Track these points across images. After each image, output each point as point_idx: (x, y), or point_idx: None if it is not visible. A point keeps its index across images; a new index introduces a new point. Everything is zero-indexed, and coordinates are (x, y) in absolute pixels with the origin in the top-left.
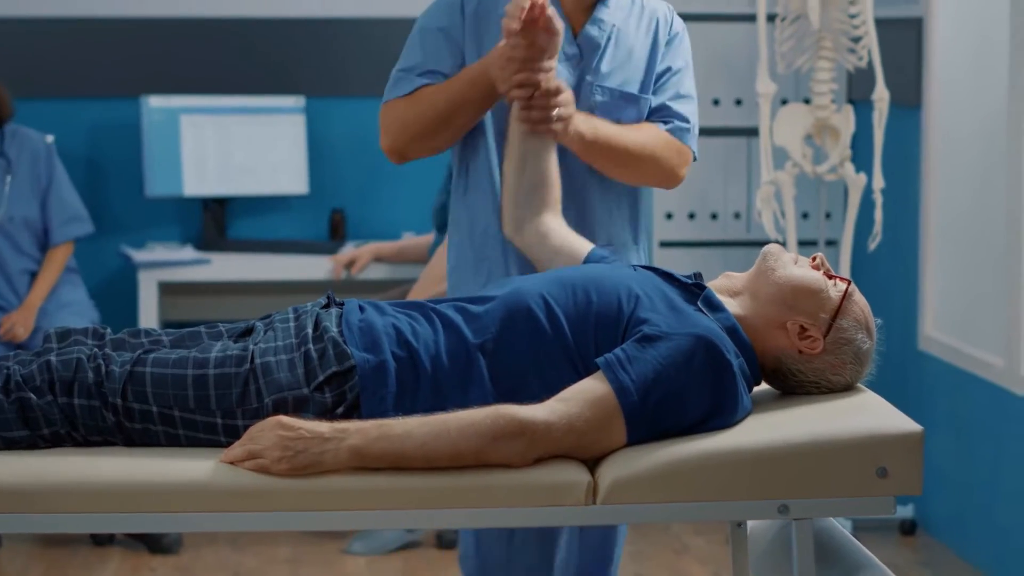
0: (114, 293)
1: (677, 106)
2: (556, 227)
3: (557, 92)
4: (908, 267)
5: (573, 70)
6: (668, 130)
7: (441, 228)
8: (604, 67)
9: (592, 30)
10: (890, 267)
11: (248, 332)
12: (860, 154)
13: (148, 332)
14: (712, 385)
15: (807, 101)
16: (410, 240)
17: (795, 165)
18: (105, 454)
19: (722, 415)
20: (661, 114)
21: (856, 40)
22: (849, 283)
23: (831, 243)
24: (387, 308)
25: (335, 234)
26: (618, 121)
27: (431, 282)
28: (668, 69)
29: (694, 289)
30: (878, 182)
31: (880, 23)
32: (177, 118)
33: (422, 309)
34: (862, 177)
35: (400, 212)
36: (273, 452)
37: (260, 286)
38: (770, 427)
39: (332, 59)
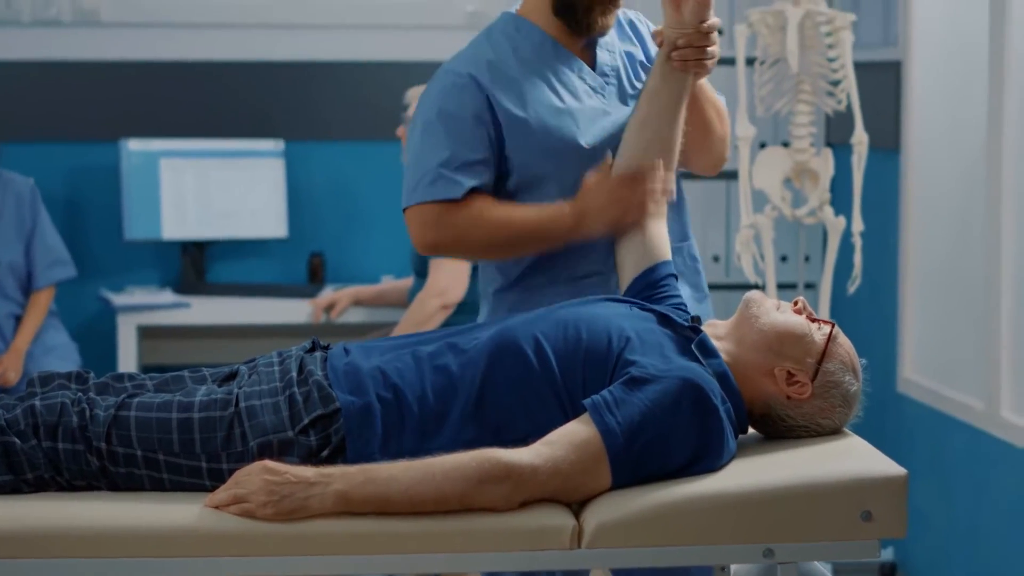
0: (93, 337)
1: None
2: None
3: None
4: (887, 310)
5: (608, 98)
6: None
7: (420, 272)
8: (636, 84)
9: (604, 56)
10: (869, 310)
11: (232, 376)
12: (839, 197)
13: (131, 376)
14: (698, 430)
15: (786, 144)
16: (389, 284)
17: (774, 208)
18: (89, 499)
19: (707, 459)
20: None
21: (835, 84)
22: (833, 326)
23: (810, 286)
24: (373, 350)
25: (314, 278)
26: None
27: (411, 326)
28: None
29: (689, 333)
30: (857, 225)
31: (859, 67)
32: (156, 161)
33: (410, 347)
34: (841, 220)
35: (379, 256)
36: (259, 497)
37: (239, 330)
38: (755, 471)
39: (311, 103)
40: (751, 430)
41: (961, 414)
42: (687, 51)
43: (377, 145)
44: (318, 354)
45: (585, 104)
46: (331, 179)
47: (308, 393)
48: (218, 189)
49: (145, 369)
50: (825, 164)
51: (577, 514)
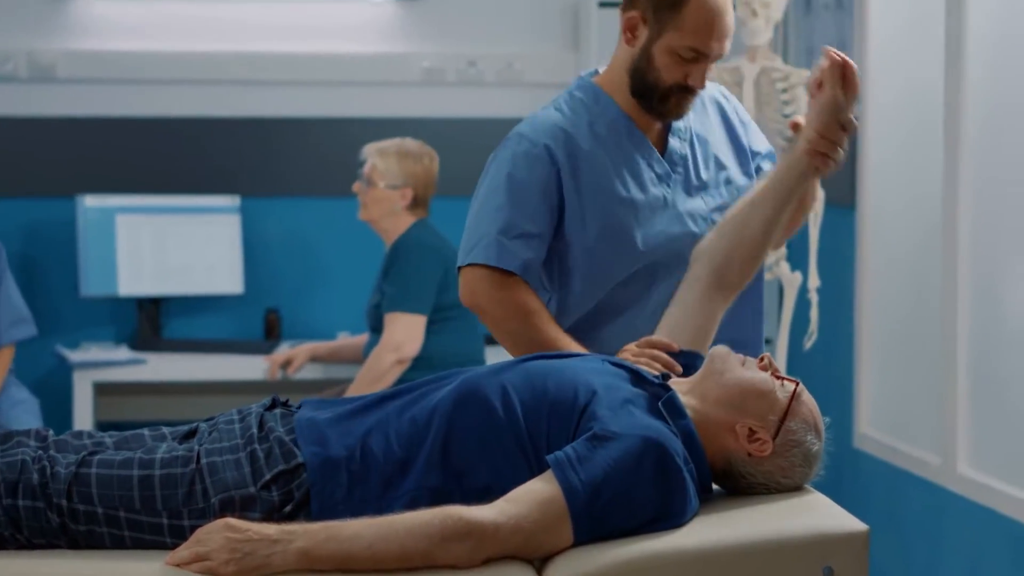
0: (49, 393)
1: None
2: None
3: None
4: (843, 365)
5: (673, 187)
6: None
7: (375, 329)
8: (703, 175)
9: (675, 143)
10: (825, 365)
11: (192, 434)
12: (795, 254)
13: (90, 434)
14: (660, 490)
15: None
16: (346, 340)
17: None
18: (49, 556)
19: (669, 517)
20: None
21: (790, 141)
22: (797, 384)
23: (767, 341)
24: (337, 404)
25: (270, 334)
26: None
27: (367, 382)
28: (769, 153)
29: (659, 391)
30: (813, 281)
31: None
32: (113, 217)
33: (376, 398)
34: (797, 276)
35: (335, 312)
36: (221, 554)
37: (196, 386)
38: (716, 527)
39: (267, 159)
40: (714, 486)
41: (918, 469)
42: (824, 143)
43: (333, 201)
44: (278, 411)
45: (649, 194)
46: (287, 235)
47: (270, 449)
48: (174, 245)
49: (101, 426)
50: None
51: (539, 571)
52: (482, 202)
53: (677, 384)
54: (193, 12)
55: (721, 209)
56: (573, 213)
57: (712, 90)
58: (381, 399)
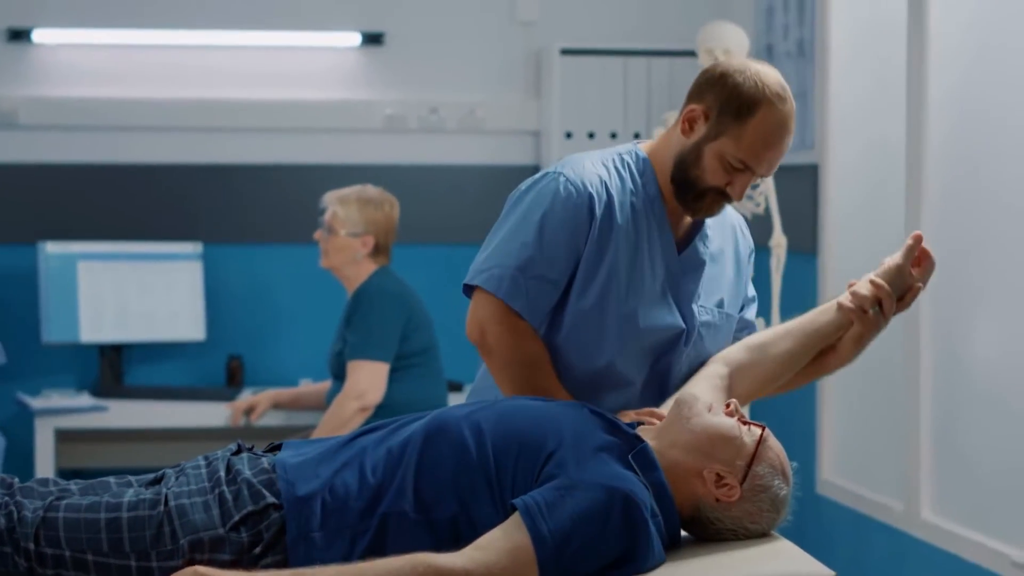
0: (10, 440)
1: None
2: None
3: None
4: (806, 411)
5: (673, 286)
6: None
7: (338, 376)
8: (706, 285)
9: (699, 247)
10: (788, 411)
11: (158, 480)
12: (758, 299)
13: (56, 481)
14: (626, 540)
15: None
16: (308, 387)
17: None
18: None
19: (633, 563)
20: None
21: (753, 187)
22: (764, 428)
23: None
24: (311, 446)
25: (232, 380)
26: (715, 342)
27: (329, 429)
28: (752, 298)
29: (633, 441)
30: None
31: (777, 170)
32: (74, 264)
33: (356, 433)
34: (760, 322)
35: (297, 359)
36: None
37: (158, 433)
38: (685, 574)
39: (229, 205)
40: (683, 532)
41: (881, 515)
42: (869, 301)
43: (295, 248)
44: (244, 456)
45: (656, 284)
46: (249, 281)
47: (238, 491)
48: (136, 292)
49: (63, 473)
50: None
51: None
52: (509, 232)
53: (642, 431)
54: (156, 59)
55: (708, 325)
56: (587, 273)
57: (735, 219)
58: (361, 433)
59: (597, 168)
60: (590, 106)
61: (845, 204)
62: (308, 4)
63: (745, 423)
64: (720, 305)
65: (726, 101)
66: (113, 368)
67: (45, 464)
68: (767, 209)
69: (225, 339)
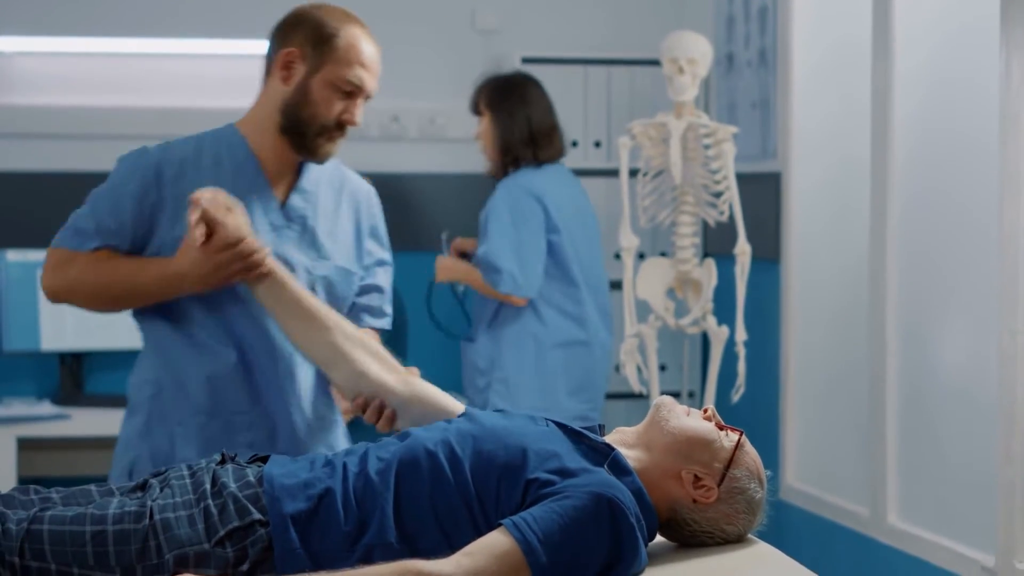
0: None
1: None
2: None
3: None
4: (769, 418)
5: (281, 239)
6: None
7: None
8: (321, 240)
9: (297, 200)
10: (752, 418)
11: (141, 487)
12: (722, 307)
13: (36, 489)
14: (615, 544)
15: (664, 254)
16: None
17: (658, 318)
18: None
19: (620, 566)
20: (370, 303)
21: (717, 195)
22: (741, 433)
23: (693, 395)
24: (296, 463)
25: None
26: (337, 295)
27: None
28: (381, 262)
29: (604, 449)
30: (740, 335)
31: (740, 178)
32: (35, 273)
33: (326, 456)
34: (724, 330)
35: None
36: None
37: None
38: None
39: None
40: (662, 539)
41: (847, 521)
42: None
43: None
44: (229, 467)
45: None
46: None
47: (223, 505)
48: None
49: (24, 481)
50: (708, 274)
51: None
52: (106, 186)
53: (620, 434)
54: (118, 67)
55: (325, 279)
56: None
57: (361, 192)
58: (344, 454)
59: (182, 141)
60: None
61: (808, 212)
62: (268, 12)
63: (723, 428)
64: (340, 261)
65: (314, 32)
66: (74, 376)
67: (6, 473)
68: (731, 217)
69: None
